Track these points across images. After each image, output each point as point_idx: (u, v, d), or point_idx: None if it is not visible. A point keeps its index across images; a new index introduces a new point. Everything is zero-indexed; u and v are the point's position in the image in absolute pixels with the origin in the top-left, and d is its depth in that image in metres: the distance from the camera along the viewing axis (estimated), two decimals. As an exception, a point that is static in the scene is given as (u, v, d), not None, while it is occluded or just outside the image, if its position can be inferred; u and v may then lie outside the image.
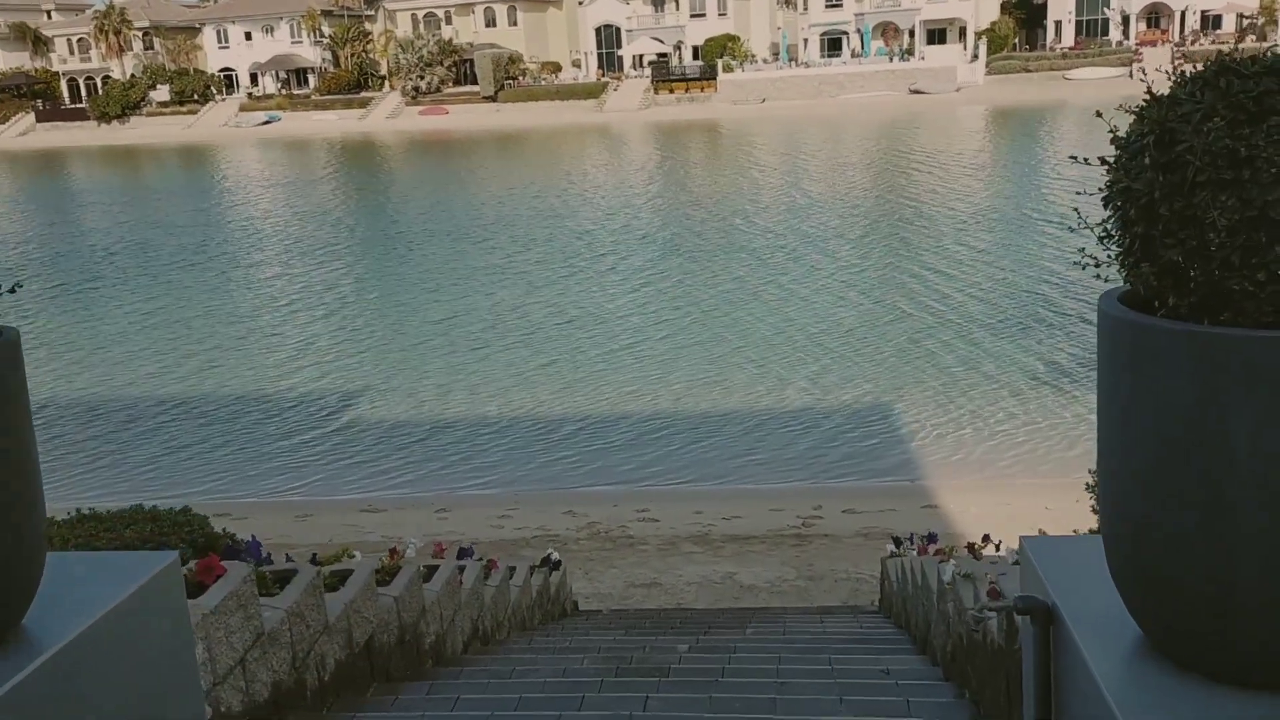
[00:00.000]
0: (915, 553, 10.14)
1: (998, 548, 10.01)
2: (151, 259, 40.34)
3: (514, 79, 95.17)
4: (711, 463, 18.59)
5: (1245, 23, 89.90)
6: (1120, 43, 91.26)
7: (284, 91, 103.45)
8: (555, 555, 10.52)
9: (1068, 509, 15.54)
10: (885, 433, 19.21)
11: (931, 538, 10.13)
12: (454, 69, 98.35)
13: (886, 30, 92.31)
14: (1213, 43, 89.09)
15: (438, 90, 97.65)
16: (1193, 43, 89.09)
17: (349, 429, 21.33)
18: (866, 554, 13.65)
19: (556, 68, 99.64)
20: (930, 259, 32.41)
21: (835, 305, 27.93)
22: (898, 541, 10.53)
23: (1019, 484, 16.69)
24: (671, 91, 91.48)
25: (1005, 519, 14.98)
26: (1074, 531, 14.52)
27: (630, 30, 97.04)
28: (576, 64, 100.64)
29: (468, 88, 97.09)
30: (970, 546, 9.13)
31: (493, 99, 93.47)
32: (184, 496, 18.74)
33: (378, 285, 34.07)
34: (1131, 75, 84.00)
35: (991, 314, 26.08)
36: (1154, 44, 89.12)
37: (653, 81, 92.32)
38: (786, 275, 31.60)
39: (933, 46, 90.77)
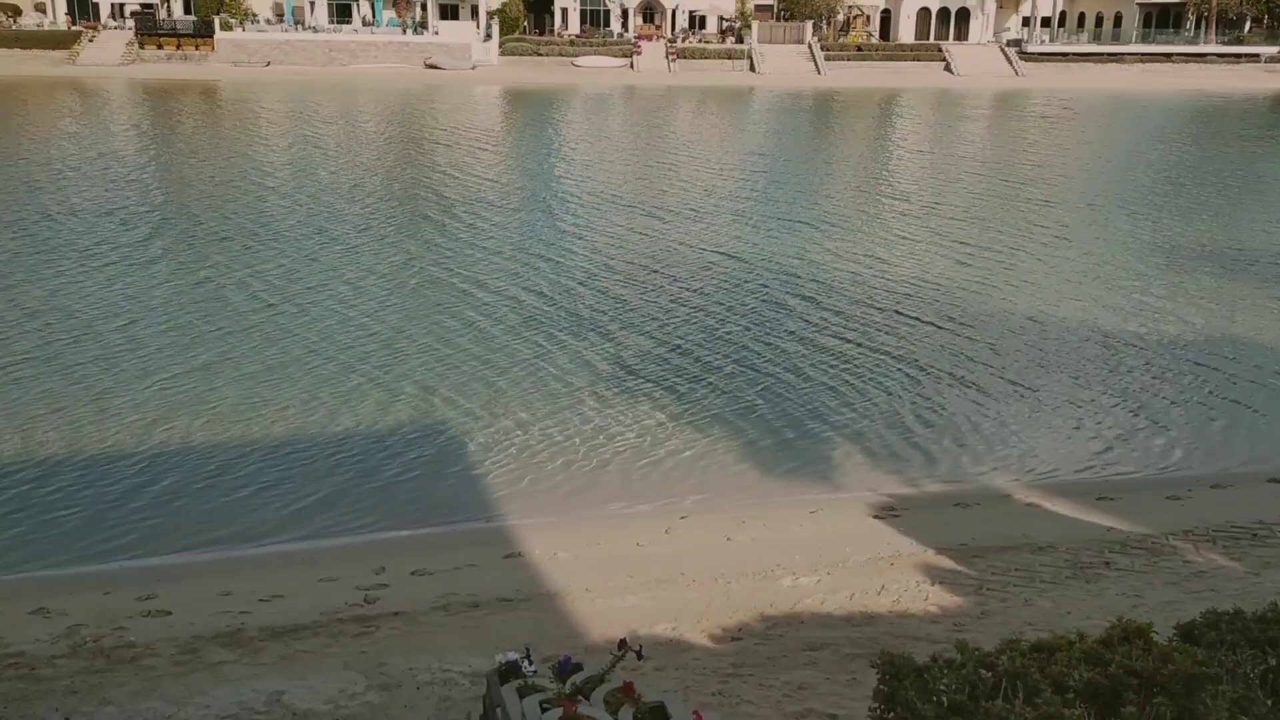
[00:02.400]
0: (552, 677, 7.84)
1: (639, 655, 8.08)
2: None
3: (-44, 19, 79.62)
4: (235, 516, 15.04)
5: (725, 24, 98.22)
6: (621, 34, 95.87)
7: None
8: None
9: (659, 542, 14.16)
10: (446, 464, 16.74)
11: (565, 664, 7.87)
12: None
13: (398, 1, 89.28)
14: (700, 41, 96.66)
15: None
16: (683, 40, 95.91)
17: None
18: (450, 637, 11.18)
19: (16, 11, 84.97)
20: (476, 248, 30.39)
21: (378, 310, 24.81)
22: (514, 669, 8.13)
23: (606, 514, 15.09)
24: (160, 47, 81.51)
25: (599, 563, 13.28)
26: (684, 576, 13.22)
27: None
28: (40, 8, 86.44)
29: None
30: (628, 689, 7.04)
31: (-71, 41, 77.52)
32: None
33: None
34: (633, 66, 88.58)
35: (555, 312, 24.52)
36: (650, 38, 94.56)
37: (137, 34, 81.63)
38: (313, 270, 27.95)
39: (445, 22, 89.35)
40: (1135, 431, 18.57)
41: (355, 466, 16.55)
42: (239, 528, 14.73)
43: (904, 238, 33.03)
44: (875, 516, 14.88)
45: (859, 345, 22.58)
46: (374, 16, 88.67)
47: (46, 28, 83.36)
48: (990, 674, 4.39)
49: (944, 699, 4.28)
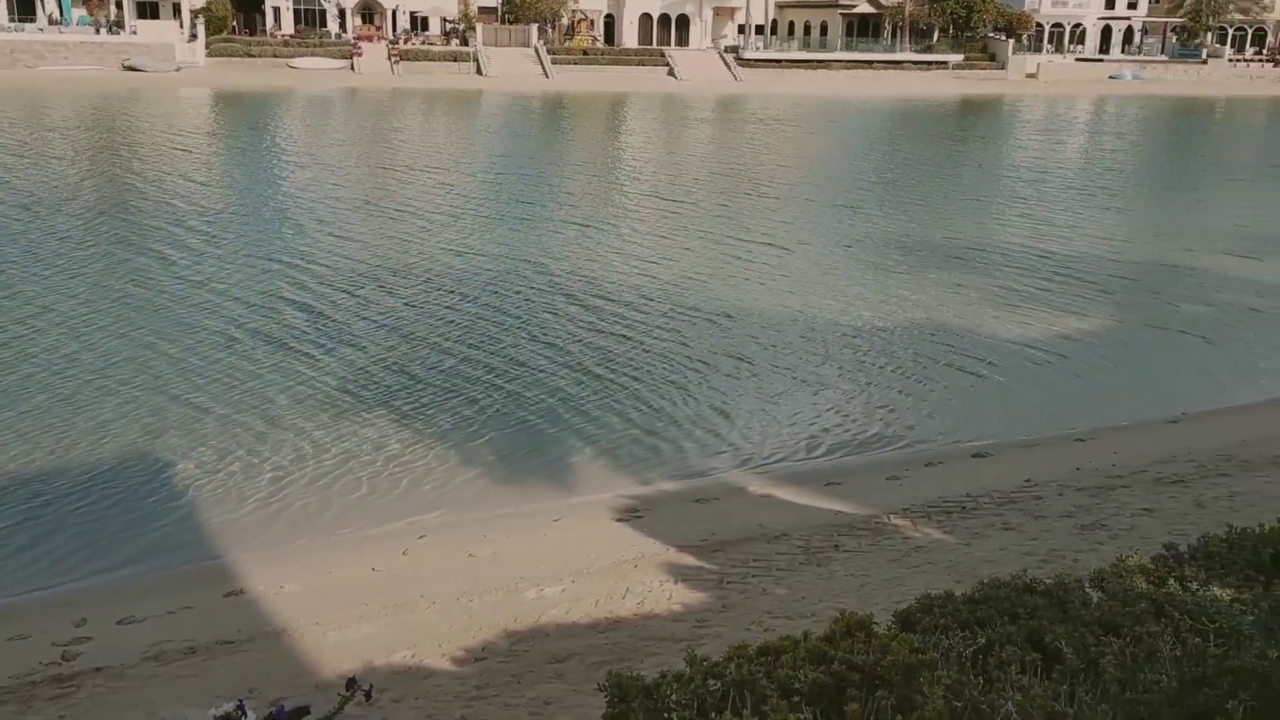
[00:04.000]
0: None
1: (368, 695, 7.56)
2: None
3: None
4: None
5: (448, 26, 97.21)
6: (339, 35, 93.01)
7: None
8: None
9: (396, 565, 13.56)
10: (156, 497, 15.36)
11: (279, 713, 7.24)
12: None
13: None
14: (423, 43, 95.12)
15: None
16: (405, 42, 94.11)
17: None
18: (163, 689, 10.18)
19: None
20: (191, 262, 28.33)
21: (70, 332, 22.65)
22: None
23: (337, 541, 14.28)
24: None
25: (331, 593, 12.56)
26: (423, 598, 12.66)
27: None
28: None
29: None
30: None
31: None
32: None
33: None
34: (354, 68, 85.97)
35: (277, 327, 23.15)
36: (370, 39, 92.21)
37: None
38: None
39: (145, 21, 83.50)
40: (858, 416, 19.60)
41: (50, 508, 14.90)
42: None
43: (642, 237, 33.63)
44: (619, 519, 14.89)
45: (596, 346, 22.70)
46: (62, 15, 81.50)
47: None
48: (719, 684, 4.28)
49: (674, 716, 4.13)
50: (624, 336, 23.40)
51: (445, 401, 19.40)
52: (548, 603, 12.20)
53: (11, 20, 79.98)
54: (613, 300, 26.17)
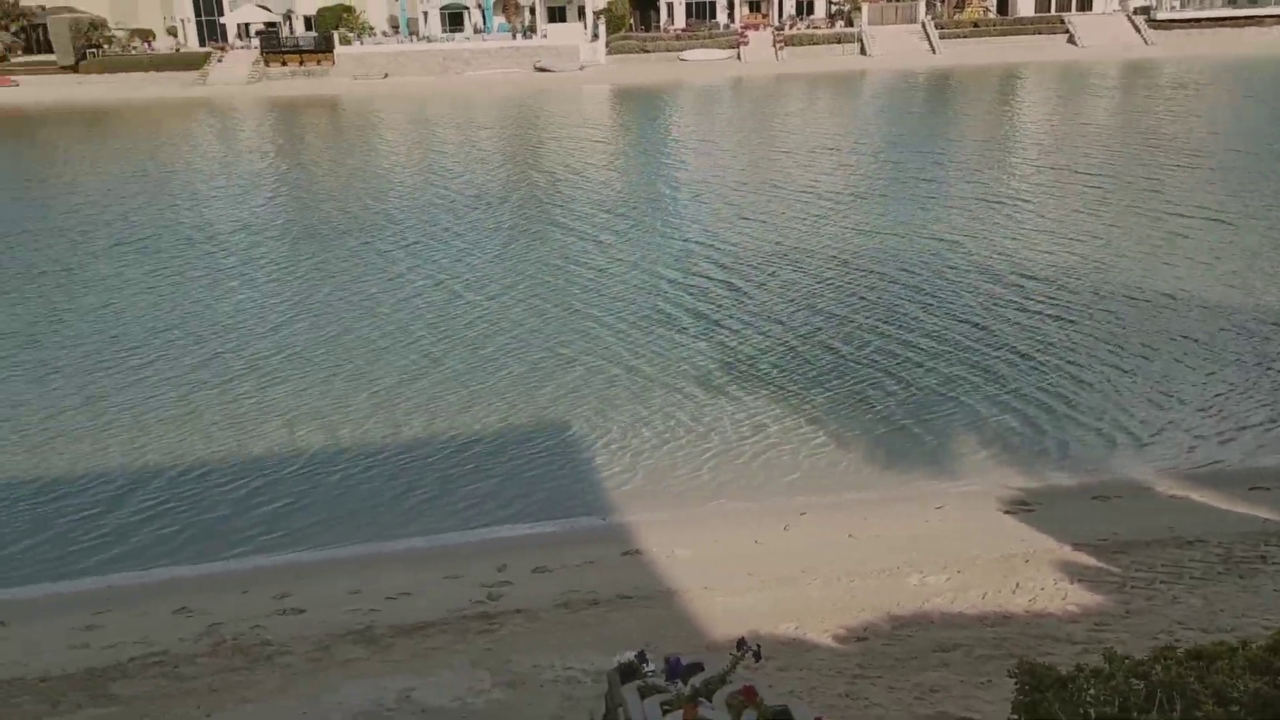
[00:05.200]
0: (664, 679, 7.71)
1: (757, 655, 7.88)
2: None
3: (97, 47, 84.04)
4: (364, 513, 15.37)
5: (834, 8, 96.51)
6: (727, 25, 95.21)
7: None
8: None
9: (777, 540, 13.93)
10: (564, 460, 16.79)
11: (675, 666, 7.71)
12: (22, 35, 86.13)
13: (507, 6, 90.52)
14: (808, 27, 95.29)
15: (3, 59, 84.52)
16: (791, 27, 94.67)
17: None
18: (572, 634, 11.17)
19: (150, 35, 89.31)
20: (607, 242, 30.51)
21: (500, 311, 25.07)
22: (633, 669, 7.99)
23: (723, 511, 14.89)
24: (284, 64, 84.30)
25: (718, 560, 13.11)
26: (805, 574, 12.96)
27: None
28: (172, 32, 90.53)
29: (41, 56, 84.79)
30: (749, 693, 6.86)
31: (73, 69, 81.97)
32: None
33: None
34: (739, 57, 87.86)
35: (678, 307, 24.35)
36: (756, 28, 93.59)
37: (262, 53, 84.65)
38: (441, 274, 28.44)
39: (553, 25, 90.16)
40: (1288, 415, 17.45)
41: (475, 465, 16.73)
42: (367, 524, 15.06)
43: (1058, 212, 31.63)
44: (1006, 511, 14.32)
45: (1003, 328, 21.78)
46: (484, 23, 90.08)
47: (180, 51, 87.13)
48: (1143, 685, 4.07)
49: (1092, 712, 3.98)
50: (1034, 318, 22.24)
51: (837, 380, 19.50)
52: (931, 590, 12.00)
53: (443, 32, 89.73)
54: (1027, 279, 24.92)
